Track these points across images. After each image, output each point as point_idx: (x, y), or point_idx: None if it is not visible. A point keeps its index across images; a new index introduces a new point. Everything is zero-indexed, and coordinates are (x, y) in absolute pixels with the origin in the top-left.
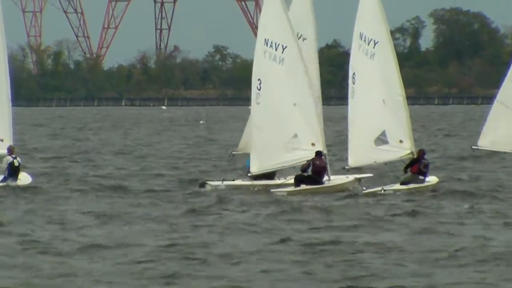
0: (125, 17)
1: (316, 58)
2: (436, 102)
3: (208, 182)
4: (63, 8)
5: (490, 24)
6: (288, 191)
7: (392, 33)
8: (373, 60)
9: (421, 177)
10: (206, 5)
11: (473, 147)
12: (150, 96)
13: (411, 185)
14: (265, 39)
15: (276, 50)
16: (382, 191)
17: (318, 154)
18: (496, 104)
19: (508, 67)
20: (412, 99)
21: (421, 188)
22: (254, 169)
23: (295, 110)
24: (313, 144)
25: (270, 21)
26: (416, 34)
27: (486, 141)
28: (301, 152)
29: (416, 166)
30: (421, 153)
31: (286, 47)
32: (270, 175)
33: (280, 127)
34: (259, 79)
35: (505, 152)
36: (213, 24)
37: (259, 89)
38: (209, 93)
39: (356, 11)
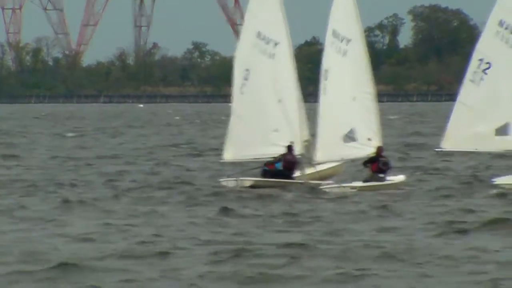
0: (105, 15)
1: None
2: (415, 99)
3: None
4: (42, 5)
5: (469, 21)
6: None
7: (371, 30)
8: (345, 57)
9: (381, 175)
10: (185, 2)
11: (436, 149)
12: (129, 93)
13: (372, 183)
14: (258, 32)
15: (267, 44)
16: (340, 188)
17: (290, 148)
18: (457, 104)
19: (466, 67)
20: (391, 96)
21: (381, 186)
22: (228, 156)
23: (279, 106)
24: (291, 143)
25: (263, 12)
26: (394, 31)
27: (449, 142)
28: (278, 148)
29: (375, 164)
30: (380, 150)
31: (278, 43)
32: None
33: (262, 120)
34: (247, 69)
35: (469, 152)
36: (192, 21)
37: (246, 79)
38: (188, 90)
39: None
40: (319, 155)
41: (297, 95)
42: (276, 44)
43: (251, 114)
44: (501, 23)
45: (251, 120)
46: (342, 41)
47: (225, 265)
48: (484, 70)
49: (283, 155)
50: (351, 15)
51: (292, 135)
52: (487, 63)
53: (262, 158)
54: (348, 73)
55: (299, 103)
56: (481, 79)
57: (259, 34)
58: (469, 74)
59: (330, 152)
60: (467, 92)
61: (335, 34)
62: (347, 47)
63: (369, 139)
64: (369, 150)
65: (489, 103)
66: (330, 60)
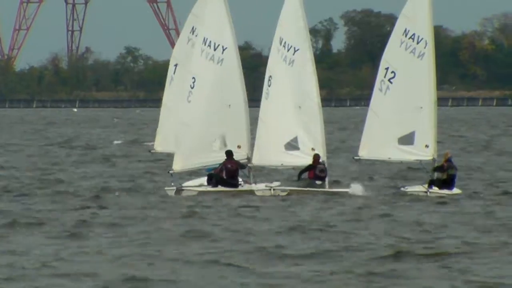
0: (37, 19)
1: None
2: (348, 104)
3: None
4: None
5: None
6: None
7: None
8: (291, 66)
9: (318, 182)
10: (118, 6)
11: (354, 157)
12: (62, 98)
13: (308, 189)
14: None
15: (215, 50)
16: (272, 191)
17: (229, 155)
18: (369, 112)
19: (376, 75)
20: (324, 101)
21: (318, 192)
22: (177, 167)
23: (227, 111)
24: (239, 147)
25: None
26: (328, 36)
27: (365, 151)
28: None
29: (312, 171)
30: (317, 158)
31: (226, 48)
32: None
33: (209, 126)
34: (193, 77)
35: (383, 161)
36: (125, 26)
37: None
38: (121, 95)
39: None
40: (256, 158)
41: (245, 99)
42: (224, 49)
43: (198, 121)
44: (405, 32)
45: (199, 127)
46: (288, 50)
47: None
48: (390, 80)
49: (223, 164)
50: (299, 24)
51: (239, 139)
52: (392, 72)
53: (210, 166)
54: (293, 82)
55: (246, 108)
56: (388, 88)
57: (205, 40)
58: (377, 83)
59: (268, 156)
60: (376, 100)
61: (282, 42)
62: (294, 57)
63: (312, 149)
64: (310, 160)
65: (395, 112)
66: (274, 67)
